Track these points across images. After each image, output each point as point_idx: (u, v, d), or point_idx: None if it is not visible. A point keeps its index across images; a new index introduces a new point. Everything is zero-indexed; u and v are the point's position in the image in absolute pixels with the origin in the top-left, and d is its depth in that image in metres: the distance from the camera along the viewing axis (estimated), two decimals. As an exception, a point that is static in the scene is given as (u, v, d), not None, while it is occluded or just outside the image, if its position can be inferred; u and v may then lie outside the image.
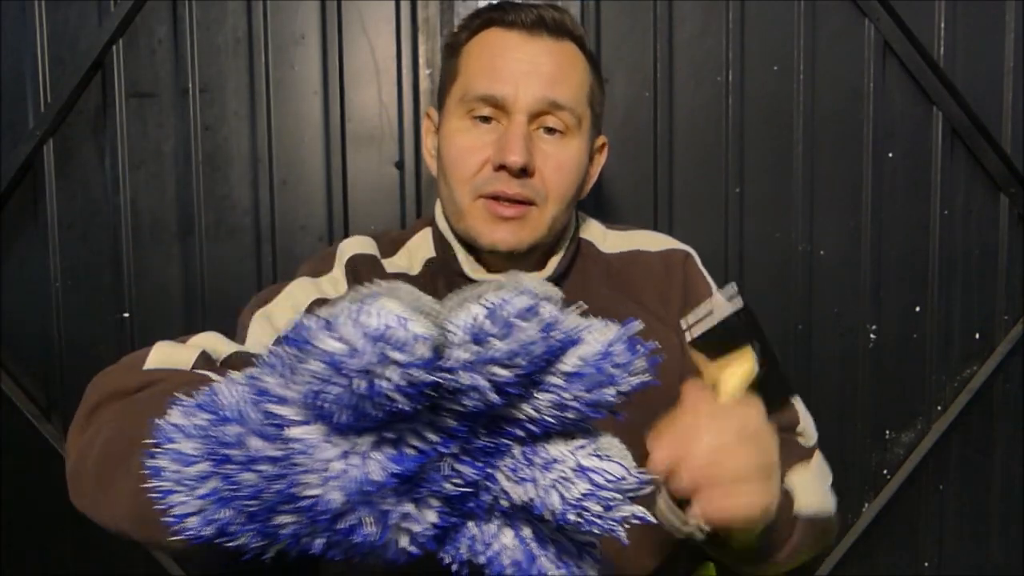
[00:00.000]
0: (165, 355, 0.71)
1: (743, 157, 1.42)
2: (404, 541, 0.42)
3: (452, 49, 0.90)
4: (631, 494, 0.44)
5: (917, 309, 1.48)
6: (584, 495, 0.43)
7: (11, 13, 1.36)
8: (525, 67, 0.82)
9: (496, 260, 0.88)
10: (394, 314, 0.36)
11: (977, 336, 1.50)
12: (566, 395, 0.41)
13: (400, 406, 0.37)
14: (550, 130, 0.83)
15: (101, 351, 1.40)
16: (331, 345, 0.36)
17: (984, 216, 1.48)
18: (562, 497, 0.43)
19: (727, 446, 0.59)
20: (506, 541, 0.46)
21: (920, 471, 1.49)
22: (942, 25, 1.42)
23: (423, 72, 1.39)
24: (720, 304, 0.64)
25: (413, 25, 1.38)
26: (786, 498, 0.71)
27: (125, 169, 1.38)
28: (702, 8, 1.40)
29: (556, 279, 0.89)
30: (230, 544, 0.44)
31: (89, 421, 0.66)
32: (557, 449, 0.44)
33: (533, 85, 0.81)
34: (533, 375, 0.41)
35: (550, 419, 0.42)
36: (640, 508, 0.45)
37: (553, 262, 0.90)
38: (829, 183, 1.44)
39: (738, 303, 0.66)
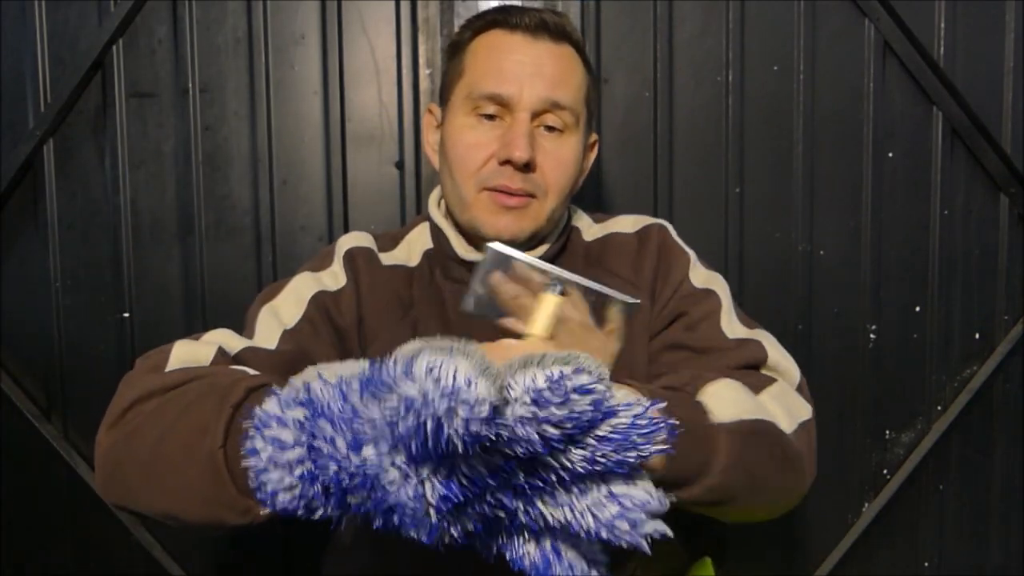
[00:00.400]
0: (186, 353, 0.75)
1: (743, 157, 1.42)
2: (443, 539, 0.52)
3: (456, 47, 0.94)
4: (655, 513, 0.53)
5: (917, 309, 1.48)
6: (614, 516, 0.52)
7: (11, 13, 1.36)
8: (529, 68, 0.86)
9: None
10: (464, 375, 0.44)
11: (977, 336, 1.50)
12: (597, 454, 0.50)
13: (459, 449, 0.45)
14: (550, 128, 0.88)
15: (101, 351, 1.41)
16: (410, 391, 0.44)
17: (984, 216, 1.48)
18: (595, 518, 0.52)
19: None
20: (531, 549, 0.56)
21: (920, 471, 1.49)
22: (942, 25, 1.42)
23: (423, 72, 1.39)
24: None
25: (413, 25, 1.38)
26: (696, 411, 0.71)
27: (125, 169, 1.38)
28: (702, 8, 1.40)
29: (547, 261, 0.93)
30: (310, 515, 0.54)
31: (124, 419, 0.69)
32: (592, 479, 0.52)
33: (537, 85, 0.86)
34: (574, 436, 0.49)
35: (580, 470, 0.50)
36: (662, 524, 0.53)
37: (543, 246, 0.95)
38: (829, 183, 1.44)
39: (490, 251, 0.73)
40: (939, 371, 1.49)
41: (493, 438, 0.46)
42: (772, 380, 0.85)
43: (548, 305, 0.68)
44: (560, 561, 0.55)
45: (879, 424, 1.49)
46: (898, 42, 1.41)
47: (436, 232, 0.96)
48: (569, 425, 0.47)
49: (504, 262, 0.72)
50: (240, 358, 0.78)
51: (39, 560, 1.44)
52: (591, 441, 0.50)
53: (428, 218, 0.99)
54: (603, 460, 0.50)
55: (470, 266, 0.91)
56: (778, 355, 0.88)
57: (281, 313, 0.86)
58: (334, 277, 0.91)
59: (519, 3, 1.36)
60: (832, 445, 1.48)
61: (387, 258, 0.96)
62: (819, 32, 1.41)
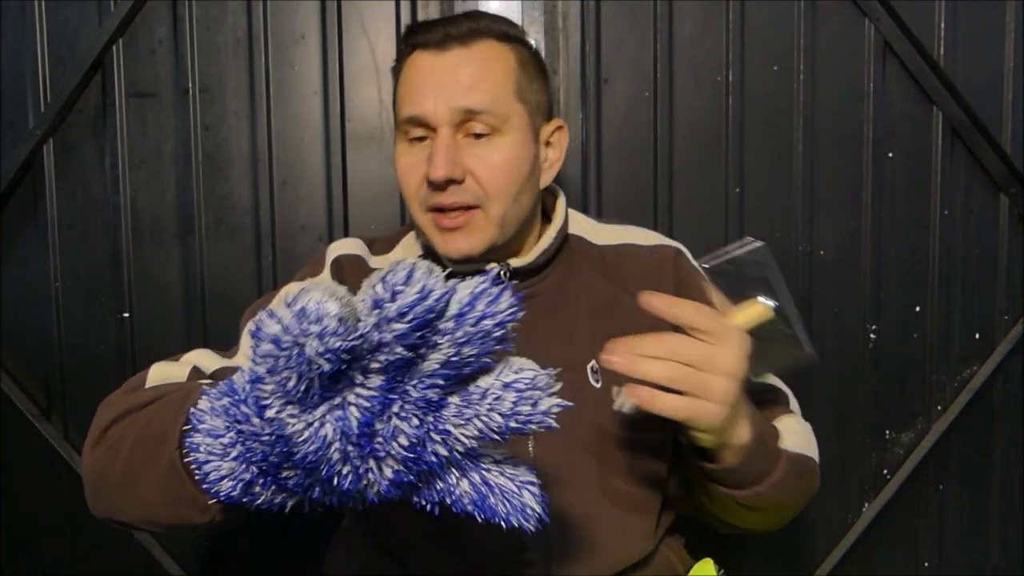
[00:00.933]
0: (161, 373, 0.80)
1: (743, 157, 1.42)
2: (372, 491, 0.56)
3: (395, 76, 0.94)
4: (549, 389, 0.55)
5: (917, 309, 1.48)
6: (514, 403, 0.55)
7: (11, 13, 1.36)
8: (438, 82, 0.86)
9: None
10: (313, 300, 0.48)
11: (977, 336, 1.50)
12: (459, 334, 0.52)
13: (325, 368, 0.48)
14: (477, 135, 0.87)
15: (101, 351, 1.41)
16: (272, 327, 0.48)
17: (984, 216, 1.48)
18: (500, 413, 0.55)
19: (686, 352, 0.69)
20: (464, 487, 0.59)
21: (920, 471, 1.49)
22: (942, 25, 1.42)
23: (423, 72, 1.39)
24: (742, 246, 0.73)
25: (413, 25, 1.38)
26: (773, 432, 0.82)
27: (125, 169, 1.38)
28: (702, 8, 1.40)
29: (539, 267, 0.93)
30: (254, 500, 0.58)
31: (104, 437, 0.74)
32: (484, 381, 0.55)
33: (446, 98, 0.85)
34: (427, 328, 0.51)
35: (455, 358, 0.53)
36: (558, 399, 0.56)
37: (536, 249, 0.93)
38: (829, 183, 1.44)
39: (755, 243, 0.76)
40: (939, 371, 1.49)
41: (350, 353, 0.49)
42: (792, 412, 0.96)
43: (760, 311, 0.71)
44: (492, 491, 0.59)
45: (879, 424, 1.49)
46: (898, 42, 1.41)
47: (421, 243, 0.97)
48: (411, 316, 0.50)
49: (765, 265, 0.74)
50: (216, 377, 0.81)
51: (39, 560, 1.44)
52: (447, 325, 0.52)
53: (412, 228, 0.99)
54: (469, 341, 0.52)
55: (460, 277, 0.90)
56: (794, 399, 0.99)
57: None
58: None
59: (539, 6, 1.37)
60: (832, 445, 1.48)
61: (380, 262, 0.96)
62: (819, 32, 1.42)
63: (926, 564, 1.53)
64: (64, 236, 1.39)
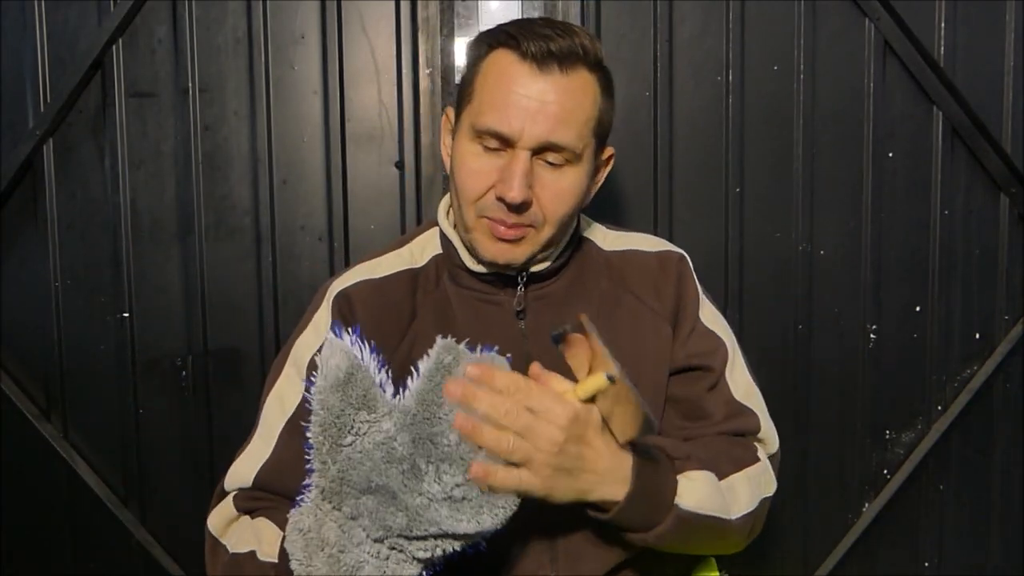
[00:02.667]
0: (221, 524, 0.91)
1: (743, 157, 1.42)
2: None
3: (473, 56, 0.93)
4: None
5: (917, 309, 1.48)
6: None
7: (11, 13, 1.36)
8: (533, 105, 0.86)
9: None
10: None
11: (977, 336, 1.50)
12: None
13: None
14: (551, 162, 0.89)
15: (101, 351, 1.41)
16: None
17: (984, 216, 1.48)
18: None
19: (533, 428, 0.72)
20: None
21: (920, 471, 1.49)
22: (942, 25, 1.42)
23: (423, 72, 1.39)
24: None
25: (413, 25, 1.38)
26: (668, 488, 0.82)
27: (125, 169, 1.38)
28: (702, 8, 1.40)
29: (555, 270, 0.96)
30: None
31: None
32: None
33: (538, 125, 0.86)
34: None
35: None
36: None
37: (553, 254, 0.96)
38: (829, 183, 1.44)
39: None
40: (939, 371, 1.49)
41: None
42: (755, 459, 0.95)
43: (599, 382, 0.73)
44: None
45: (879, 424, 1.49)
46: (898, 42, 1.41)
47: (445, 241, 0.97)
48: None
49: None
50: (258, 484, 0.90)
51: (39, 560, 1.44)
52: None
53: (438, 227, 1.00)
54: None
55: (479, 276, 0.94)
56: (767, 425, 0.98)
57: (284, 397, 0.93)
58: (322, 325, 0.93)
59: (540, 5, 1.37)
60: (832, 445, 1.48)
61: (387, 264, 0.97)
62: (819, 32, 1.41)
63: (926, 564, 1.53)
64: (64, 236, 1.39)
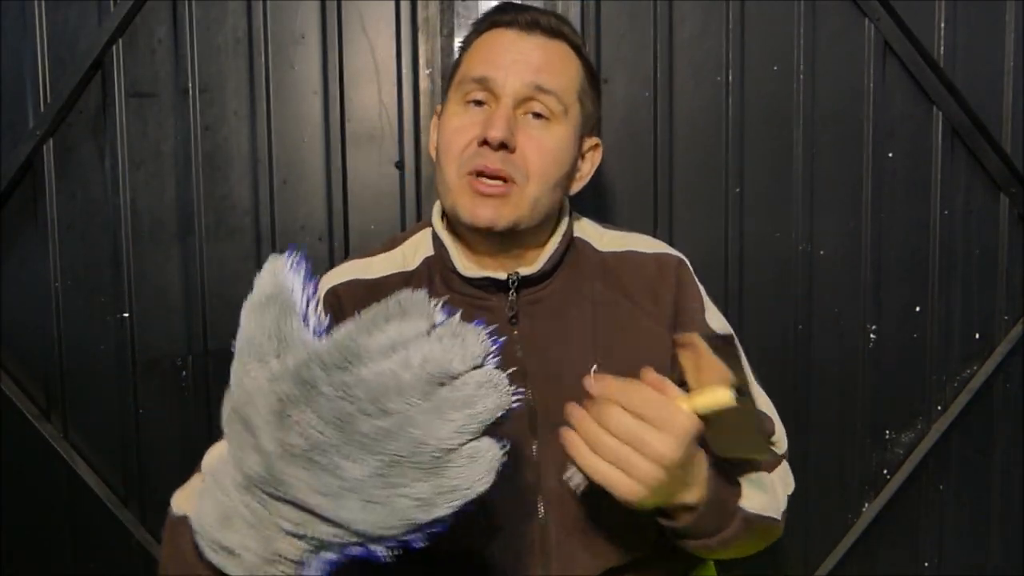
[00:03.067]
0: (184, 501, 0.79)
1: (743, 157, 1.42)
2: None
3: (461, 51, 0.96)
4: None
5: (917, 309, 1.48)
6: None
7: (11, 13, 1.36)
8: (516, 56, 0.89)
9: (486, 249, 0.92)
10: None
11: (977, 336, 1.50)
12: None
13: None
14: (537, 115, 0.89)
15: (101, 351, 1.41)
16: None
17: (984, 216, 1.48)
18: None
19: (640, 434, 0.67)
20: None
21: (920, 471, 1.49)
22: (942, 25, 1.42)
23: (423, 72, 1.39)
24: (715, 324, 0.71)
25: (413, 25, 1.38)
26: (732, 492, 0.81)
27: (125, 169, 1.38)
28: (702, 8, 1.40)
29: (546, 273, 0.93)
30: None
31: None
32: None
33: (521, 71, 0.88)
34: None
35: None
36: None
37: (543, 257, 0.93)
38: (829, 183, 1.44)
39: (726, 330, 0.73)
40: (939, 371, 1.49)
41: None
42: (780, 459, 0.94)
43: (721, 398, 0.68)
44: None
45: (879, 424, 1.49)
46: (898, 42, 1.41)
47: (437, 243, 0.96)
48: None
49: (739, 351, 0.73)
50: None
51: (39, 560, 1.44)
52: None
53: (430, 228, 0.98)
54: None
55: (471, 281, 0.91)
56: (779, 427, 0.97)
57: None
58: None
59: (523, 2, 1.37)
60: (832, 445, 1.48)
61: (379, 265, 0.96)
62: (819, 32, 1.41)
63: (926, 564, 1.53)
64: (64, 236, 1.39)
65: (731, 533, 0.79)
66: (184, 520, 0.68)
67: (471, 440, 0.54)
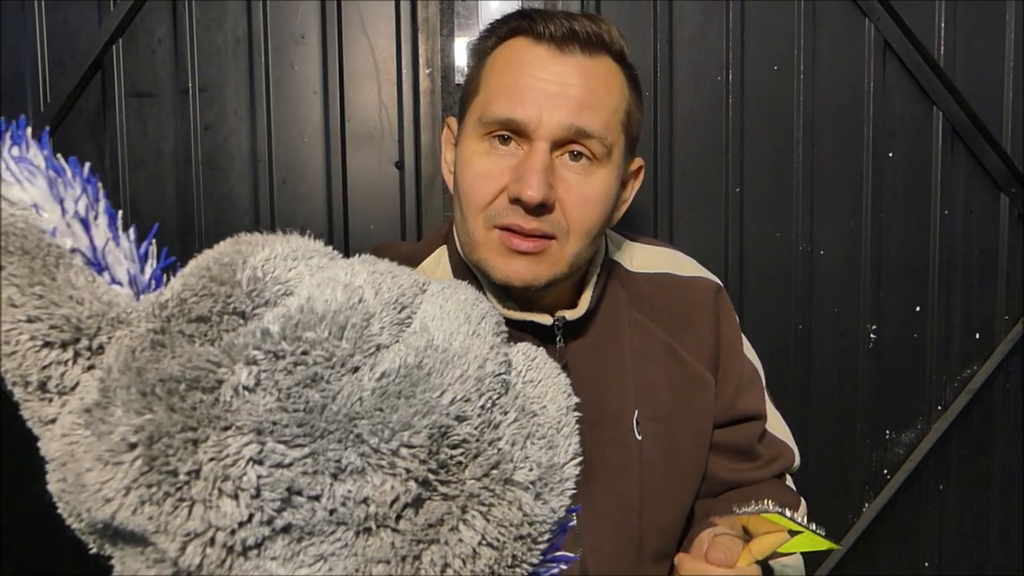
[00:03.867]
0: None
1: (743, 157, 1.42)
2: None
3: (478, 57, 0.81)
4: None
5: (917, 309, 1.48)
6: None
7: (11, 13, 1.36)
8: (552, 88, 0.73)
9: (521, 296, 0.81)
10: None
11: (977, 336, 1.50)
12: None
13: None
14: (576, 155, 0.75)
15: (101, 351, 1.40)
16: None
17: (984, 216, 1.48)
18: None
19: None
20: None
21: (920, 471, 1.49)
22: (942, 25, 1.42)
23: (423, 72, 1.39)
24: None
25: (413, 25, 1.38)
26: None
27: (125, 169, 1.38)
28: (702, 8, 1.40)
29: (588, 315, 0.83)
30: None
31: None
32: None
33: (559, 110, 0.73)
34: None
35: None
36: None
37: (585, 299, 0.83)
38: (829, 183, 1.44)
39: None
40: (939, 371, 1.49)
41: None
42: (799, 501, 0.94)
43: (777, 541, 0.72)
44: None
45: (879, 424, 1.49)
46: (898, 42, 1.41)
47: (458, 264, 0.83)
48: None
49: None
50: None
51: (39, 560, 1.44)
52: None
53: (447, 244, 0.87)
54: None
55: (511, 323, 0.79)
56: (797, 454, 0.98)
57: None
58: None
59: (541, 5, 1.37)
60: (832, 445, 1.48)
61: None
62: (819, 32, 1.41)
63: (926, 564, 1.53)
64: (64, 236, 1.39)
65: None
66: None
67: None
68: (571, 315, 0.81)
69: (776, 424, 0.96)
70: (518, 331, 0.79)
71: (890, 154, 1.45)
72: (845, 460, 1.48)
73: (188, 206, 1.39)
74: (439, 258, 0.86)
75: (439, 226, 0.96)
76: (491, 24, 0.81)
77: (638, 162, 0.86)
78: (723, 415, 0.90)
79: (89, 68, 1.35)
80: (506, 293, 0.80)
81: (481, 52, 0.81)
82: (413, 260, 0.86)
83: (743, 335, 0.96)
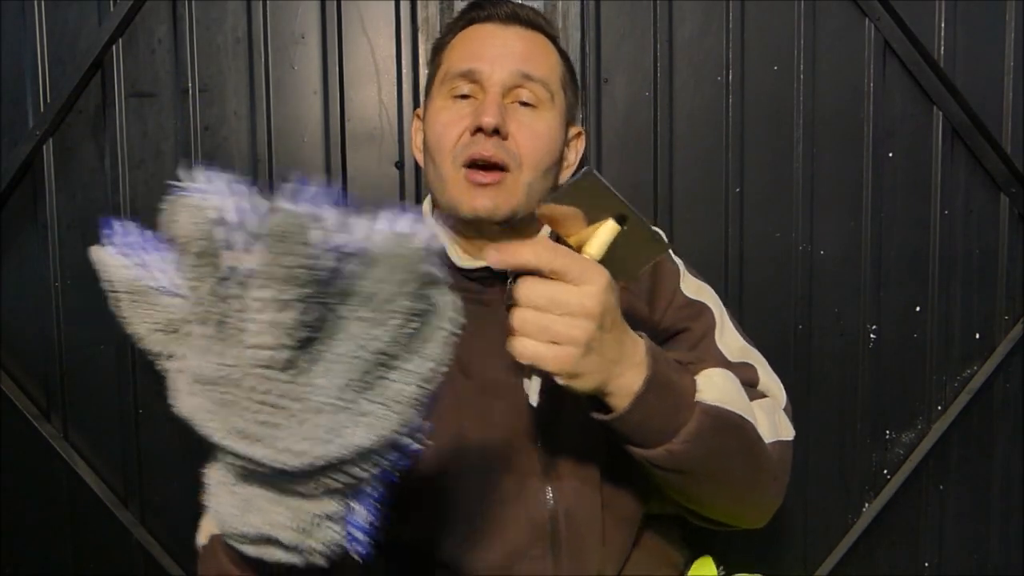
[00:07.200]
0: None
1: (743, 157, 1.42)
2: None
3: (437, 51, 0.99)
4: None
5: (917, 309, 1.48)
6: None
7: (11, 13, 1.36)
8: (499, 48, 0.91)
9: (482, 243, 0.92)
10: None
11: (977, 336, 1.50)
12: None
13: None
14: (524, 103, 0.91)
15: (101, 351, 1.41)
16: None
17: (984, 216, 1.48)
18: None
19: (555, 295, 0.65)
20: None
21: (920, 471, 1.49)
22: (942, 25, 1.42)
23: (423, 72, 1.39)
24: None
25: (413, 25, 1.38)
26: (686, 384, 0.75)
27: (125, 169, 1.38)
28: (702, 8, 1.40)
29: None
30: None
31: None
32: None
33: (507, 61, 0.90)
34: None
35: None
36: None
37: (544, 233, 0.95)
38: (829, 183, 1.44)
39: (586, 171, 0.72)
40: (939, 371, 1.49)
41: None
42: (763, 395, 0.90)
43: (610, 228, 0.70)
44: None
45: (879, 424, 1.49)
46: (898, 42, 1.41)
47: (447, 198, 0.94)
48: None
49: (596, 181, 0.71)
50: None
51: (39, 560, 1.44)
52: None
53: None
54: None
55: (468, 273, 0.91)
56: (768, 378, 0.93)
57: None
58: None
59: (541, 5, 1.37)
60: (832, 445, 1.48)
61: None
62: (819, 32, 1.41)
63: (926, 564, 1.53)
64: (64, 236, 1.39)
65: (693, 429, 0.72)
66: (213, 541, 0.68)
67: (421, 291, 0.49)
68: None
69: (740, 353, 0.93)
70: (474, 280, 0.91)
71: (890, 154, 1.45)
72: (845, 460, 1.48)
73: (188, 206, 1.39)
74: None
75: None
76: (452, 22, 0.99)
77: (577, 129, 1.00)
78: (656, 339, 0.91)
79: (89, 68, 1.35)
80: (467, 242, 0.93)
81: (440, 46, 0.98)
82: None
83: (697, 280, 0.99)
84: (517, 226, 0.93)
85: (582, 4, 1.38)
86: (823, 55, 1.42)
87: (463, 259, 0.92)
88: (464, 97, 0.91)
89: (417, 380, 0.49)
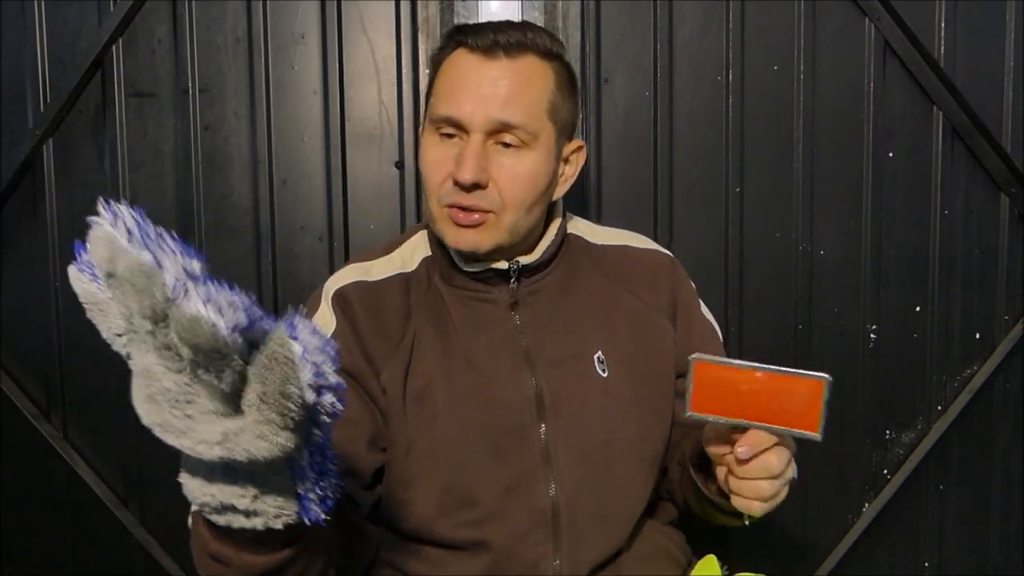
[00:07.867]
0: None
1: (743, 157, 1.42)
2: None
3: (434, 65, 0.97)
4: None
5: (917, 309, 1.48)
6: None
7: (11, 13, 1.36)
8: (479, 90, 0.89)
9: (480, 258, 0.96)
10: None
11: (977, 336, 1.50)
12: None
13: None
14: (507, 144, 0.90)
15: (101, 351, 1.40)
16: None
17: (984, 216, 1.48)
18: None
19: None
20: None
21: (920, 471, 1.49)
22: (942, 25, 1.42)
23: (423, 72, 1.39)
24: None
25: (413, 25, 1.38)
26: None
27: (125, 169, 1.38)
28: (702, 8, 1.40)
29: (544, 262, 0.97)
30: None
31: None
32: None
33: (487, 107, 0.88)
34: None
35: None
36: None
37: (540, 248, 0.97)
38: (829, 183, 1.44)
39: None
40: (939, 371, 1.49)
41: None
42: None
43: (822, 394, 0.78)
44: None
45: (879, 424, 1.49)
46: (898, 42, 1.41)
47: (435, 243, 0.98)
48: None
49: None
50: None
51: (39, 560, 1.44)
52: None
53: (426, 231, 1.01)
54: None
55: (472, 275, 0.94)
56: None
57: None
58: (324, 324, 0.92)
59: (542, 5, 1.37)
60: (832, 445, 1.48)
61: (379, 268, 0.98)
62: (819, 32, 1.41)
63: (926, 564, 1.53)
64: (64, 236, 1.39)
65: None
66: (193, 516, 0.69)
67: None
68: (525, 259, 0.95)
69: None
70: (480, 280, 0.94)
71: (890, 154, 1.45)
72: (845, 460, 1.48)
73: (188, 206, 1.39)
74: (421, 238, 1.02)
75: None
76: (444, 36, 0.97)
77: (576, 143, 0.99)
78: (680, 352, 0.99)
79: (89, 68, 1.35)
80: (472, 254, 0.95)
81: (437, 61, 0.96)
82: (397, 242, 1.02)
83: (702, 303, 1.05)
84: (514, 248, 0.95)
85: (582, 4, 1.38)
86: (823, 55, 1.42)
87: (467, 264, 0.94)
88: (449, 136, 0.92)
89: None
